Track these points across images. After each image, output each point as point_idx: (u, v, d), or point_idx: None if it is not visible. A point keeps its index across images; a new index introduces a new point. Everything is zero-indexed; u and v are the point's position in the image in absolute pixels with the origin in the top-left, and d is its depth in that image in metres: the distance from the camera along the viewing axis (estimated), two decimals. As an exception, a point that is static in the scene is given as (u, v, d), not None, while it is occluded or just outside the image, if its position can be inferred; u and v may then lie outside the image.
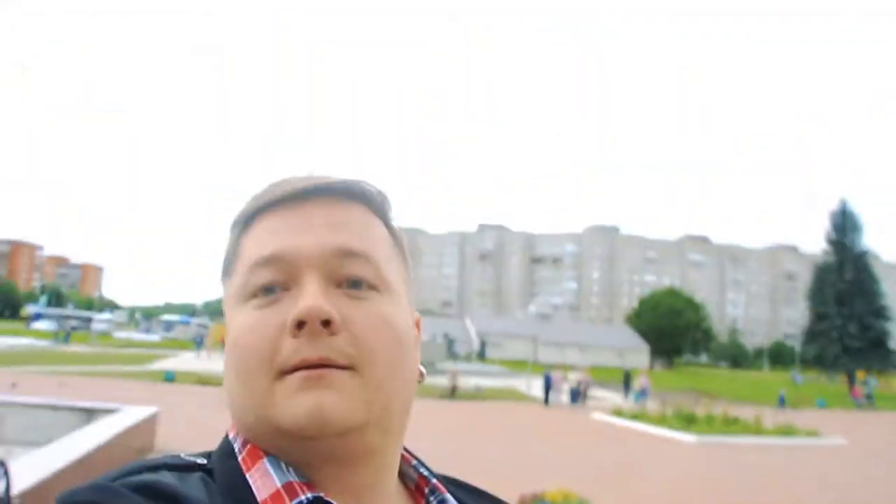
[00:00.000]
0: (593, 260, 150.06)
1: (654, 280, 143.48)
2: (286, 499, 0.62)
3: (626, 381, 33.40)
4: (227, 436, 0.72)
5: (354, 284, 0.66)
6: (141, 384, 22.49)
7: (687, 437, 16.96)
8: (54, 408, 11.51)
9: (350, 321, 0.64)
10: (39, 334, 55.39)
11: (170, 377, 24.06)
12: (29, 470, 6.46)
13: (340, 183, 0.70)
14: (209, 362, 36.34)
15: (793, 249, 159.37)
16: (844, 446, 17.42)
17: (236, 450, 0.68)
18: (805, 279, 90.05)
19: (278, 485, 0.63)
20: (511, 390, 31.17)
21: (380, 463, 0.69)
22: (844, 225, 55.00)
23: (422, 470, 0.76)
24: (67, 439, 8.26)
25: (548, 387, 26.40)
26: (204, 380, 24.69)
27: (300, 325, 0.62)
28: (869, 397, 37.47)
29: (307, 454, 0.64)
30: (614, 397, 32.31)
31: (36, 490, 6.10)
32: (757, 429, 18.36)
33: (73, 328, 55.02)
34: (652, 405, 24.05)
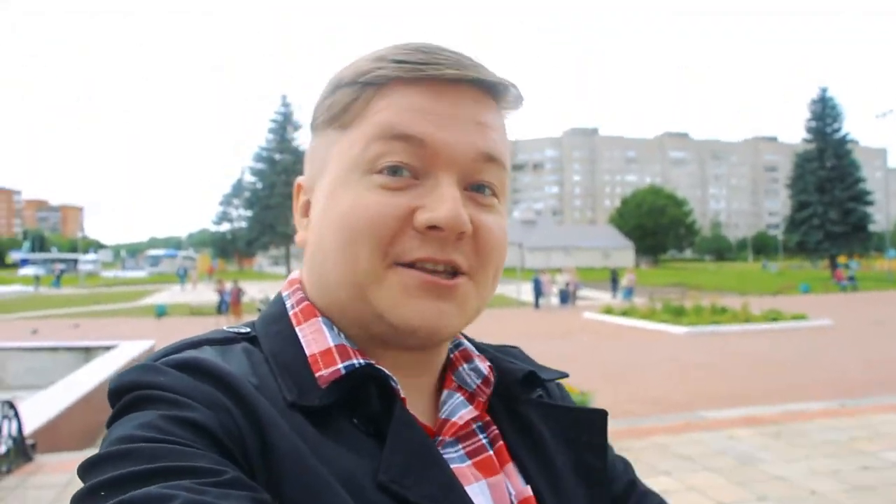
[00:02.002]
0: (574, 163, 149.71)
1: (636, 179, 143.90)
2: (337, 359, 0.62)
3: (614, 279, 33.89)
4: (277, 295, 0.72)
5: (479, 188, 0.65)
6: (140, 320, 22.59)
7: (677, 330, 17.34)
8: (53, 349, 11.55)
9: (476, 230, 0.63)
10: (28, 280, 55.13)
11: (161, 311, 24.12)
12: (37, 410, 6.52)
13: (494, 78, 0.65)
14: (195, 294, 36.38)
15: (772, 140, 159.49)
16: (831, 326, 17.91)
17: (288, 306, 0.69)
18: (786, 169, 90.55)
19: (331, 343, 0.63)
20: (501, 297, 31.55)
21: (443, 346, 0.71)
22: (824, 113, 54.86)
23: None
24: (70, 378, 8.32)
25: (537, 291, 26.72)
26: (195, 310, 24.82)
27: (433, 227, 0.60)
28: (852, 279, 38.33)
29: (388, 338, 0.64)
30: (603, 296, 32.86)
31: (46, 428, 6.17)
32: (745, 317, 18.80)
33: (62, 271, 54.66)
34: (640, 301, 24.49)
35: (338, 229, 0.62)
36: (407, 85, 0.62)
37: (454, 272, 0.62)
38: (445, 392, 0.70)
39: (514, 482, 0.67)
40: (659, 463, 5.64)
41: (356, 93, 0.64)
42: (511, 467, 0.68)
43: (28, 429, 5.77)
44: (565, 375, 0.79)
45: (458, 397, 0.70)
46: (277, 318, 0.68)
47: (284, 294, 0.71)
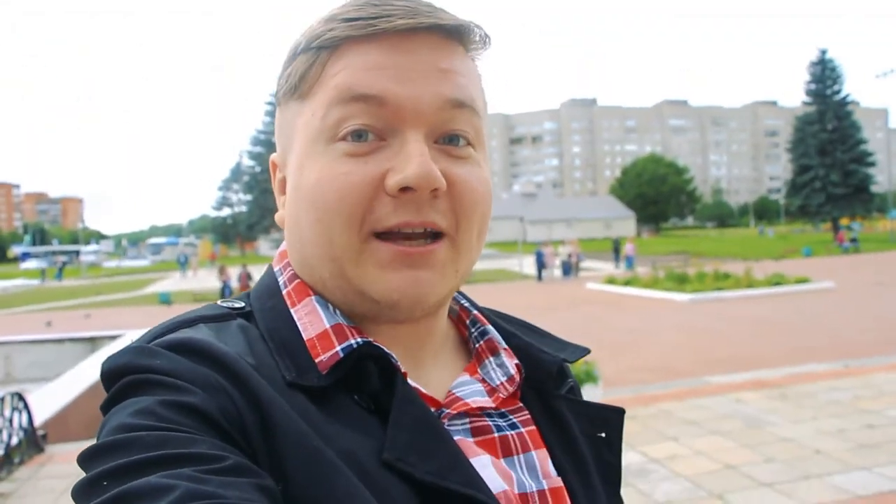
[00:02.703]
0: (573, 134, 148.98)
1: (636, 148, 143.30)
2: (335, 341, 0.60)
3: (616, 249, 33.83)
4: (269, 269, 0.71)
5: (452, 140, 0.62)
6: (145, 309, 22.65)
7: (681, 297, 17.34)
8: (59, 341, 11.59)
9: (452, 184, 0.60)
10: (30, 274, 55.19)
11: (164, 299, 24.19)
12: (46, 401, 6.56)
13: (453, 21, 0.61)
14: (196, 280, 36.40)
15: (772, 105, 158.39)
16: (834, 289, 17.92)
17: (281, 283, 0.67)
18: (786, 134, 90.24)
19: (327, 325, 0.62)
20: (503, 271, 31.61)
21: (439, 314, 0.69)
22: (823, 75, 54.31)
23: (462, 301, 0.76)
24: (77, 369, 8.36)
25: (540, 263, 26.68)
26: (199, 297, 24.88)
27: (405, 189, 0.58)
28: (854, 241, 38.26)
29: (375, 313, 0.63)
30: (606, 267, 32.86)
31: (56, 419, 6.21)
32: (748, 282, 18.78)
33: (64, 263, 54.76)
34: (643, 270, 24.51)
35: (309, 205, 0.60)
36: (360, 43, 0.59)
37: (434, 234, 0.60)
38: (466, 377, 0.68)
39: (545, 468, 0.65)
40: (666, 429, 5.67)
41: (311, 58, 0.61)
42: (544, 452, 0.66)
43: (38, 420, 5.81)
44: (587, 351, 0.77)
45: (479, 386, 0.67)
46: (271, 293, 0.67)
47: (276, 269, 0.69)
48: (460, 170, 0.61)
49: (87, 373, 7.86)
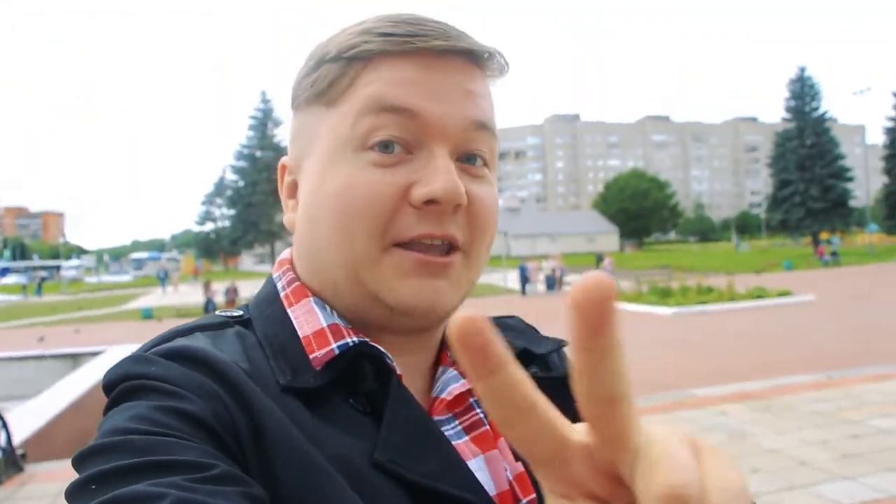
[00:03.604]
0: (556, 149, 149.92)
1: (619, 163, 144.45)
2: (331, 339, 0.61)
3: (599, 263, 34.01)
4: (268, 278, 0.72)
5: (470, 159, 0.64)
6: (129, 324, 22.43)
7: (664, 311, 17.41)
8: (39, 358, 11.43)
9: (470, 202, 0.62)
10: (9, 289, 54.44)
11: (147, 314, 23.99)
12: (26, 420, 6.46)
13: (482, 47, 0.64)
14: (178, 296, 36.02)
15: (752, 121, 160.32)
16: (815, 302, 18.08)
17: (280, 287, 0.68)
18: (766, 149, 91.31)
19: (323, 324, 0.63)
20: (488, 285, 31.59)
21: (441, 327, 0.70)
22: (802, 92, 55.13)
23: None
24: (58, 386, 8.24)
25: (524, 278, 26.74)
26: (182, 312, 24.67)
27: (430, 202, 0.59)
28: (834, 255, 38.65)
29: (384, 321, 0.64)
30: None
31: (36, 438, 6.11)
32: (731, 295, 18.92)
33: (43, 278, 54.10)
34: (626, 284, 24.63)
35: (332, 210, 0.61)
36: (395, 58, 0.61)
37: (449, 247, 0.62)
38: (441, 368, 0.69)
39: (508, 458, 0.66)
40: (651, 442, 5.68)
41: (342, 68, 0.62)
42: (503, 442, 0.66)
43: (17, 439, 5.72)
44: (564, 343, 0.77)
45: (452, 371, 0.68)
46: (270, 300, 0.68)
47: (275, 275, 0.71)
48: (478, 188, 0.63)
49: (68, 390, 7.75)
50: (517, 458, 0.66)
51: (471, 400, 0.67)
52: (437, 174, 0.59)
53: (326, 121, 0.63)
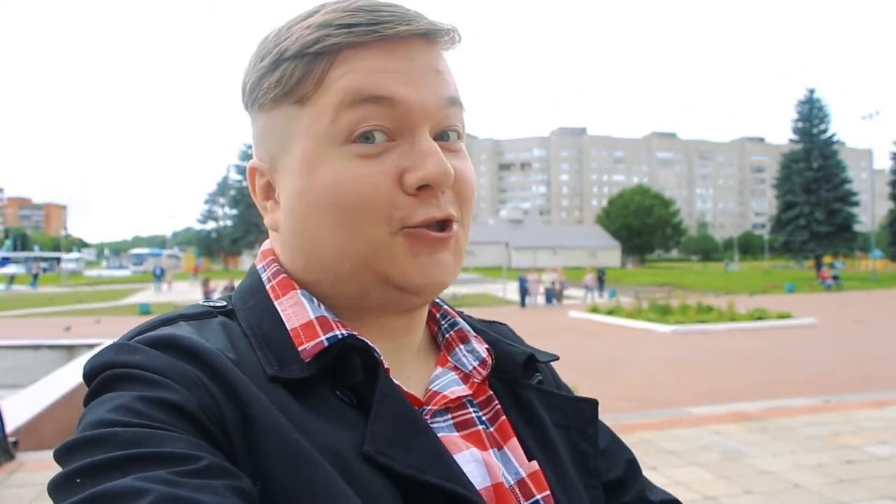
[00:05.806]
0: (561, 162, 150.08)
1: (623, 179, 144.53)
2: (319, 331, 0.61)
3: (600, 278, 33.97)
4: (252, 268, 0.72)
5: (444, 135, 0.65)
6: (126, 318, 22.42)
7: (663, 328, 17.37)
8: (35, 348, 11.40)
9: (456, 178, 0.63)
10: (3, 279, 54.40)
11: (145, 309, 24.00)
12: (20, 408, 6.44)
13: (443, 25, 0.65)
14: (171, 294, 35.86)
15: (759, 141, 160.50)
16: (816, 325, 18.03)
17: (265, 279, 0.68)
18: (772, 170, 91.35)
19: (311, 316, 0.63)
20: (487, 296, 31.59)
21: (427, 305, 0.72)
22: (811, 114, 55.30)
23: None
24: (53, 376, 8.22)
25: (523, 290, 26.71)
26: (180, 308, 24.71)
27: (424, 185, 0.60)
28: (836, 279, 38.61)
29: (388, 302, 0.64)
30: (590, 295, 32.92)
31: (29, 426, 6.09)
32: (731, 315, 18.87)
33: (43, 269, 54.04)
34: (626, 300, 24.59)
35: (327, 206, 0.61)
36: (362, 49, 0.61)
37: (448, 222, 0.64)
38: (439, 369, 0.69)
39: (519, 457, 0.66)
40: (645, 458, 5.64)
41: (308, 65, 0.61)
42: (515, 442, 0.67)
43: (10, 427, 5.69)
44: (556, 358, 0.81)
45: (453, 375, 0.69)
46: (254, 291, 0.67)
47: (259, 266, 0.70)
48: (458, 163, 0.64)
49: (62, 380, 7.73)
50: (530, 457, 0.67)
51: (465, 401, 0.68)
52: (426, 158, 0.60)
53: (300, 119, 0.62)
